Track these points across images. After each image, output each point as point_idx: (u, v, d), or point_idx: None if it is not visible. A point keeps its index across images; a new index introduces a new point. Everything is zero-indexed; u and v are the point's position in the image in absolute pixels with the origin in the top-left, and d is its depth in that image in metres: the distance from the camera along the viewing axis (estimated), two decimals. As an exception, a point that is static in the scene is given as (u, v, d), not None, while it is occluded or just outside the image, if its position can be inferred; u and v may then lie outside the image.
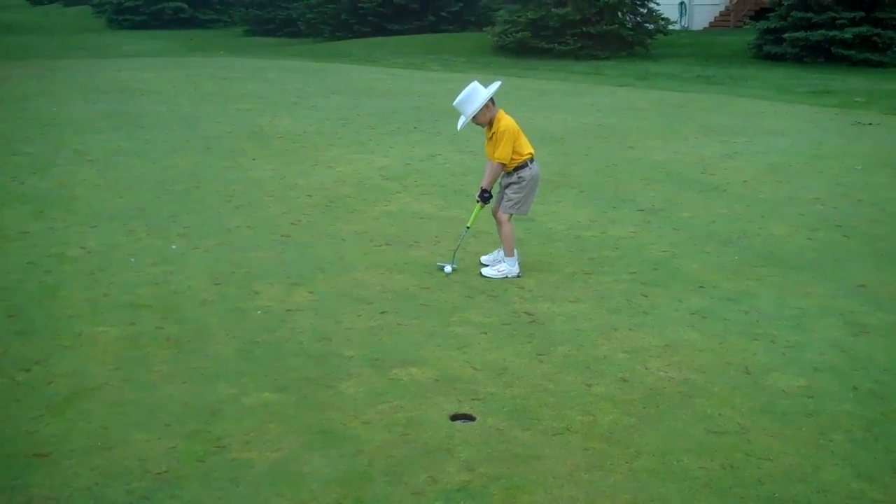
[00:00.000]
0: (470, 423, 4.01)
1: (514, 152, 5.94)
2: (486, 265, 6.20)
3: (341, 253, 6.63)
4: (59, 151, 10.67)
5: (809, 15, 23.64)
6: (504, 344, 4.91)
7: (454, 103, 5.97)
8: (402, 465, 3.63)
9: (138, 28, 42.96)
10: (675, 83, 19.98)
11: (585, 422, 4.01)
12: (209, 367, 4.56)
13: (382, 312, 5.39)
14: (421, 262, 6.38)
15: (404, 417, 4.03)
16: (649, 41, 28.04)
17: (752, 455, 3.73)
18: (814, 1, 23.72)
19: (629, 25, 27.79)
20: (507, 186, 6.10)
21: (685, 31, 34.40)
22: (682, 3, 35.98)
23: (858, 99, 16.62)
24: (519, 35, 27.44)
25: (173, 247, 6.74)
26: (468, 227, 6.30)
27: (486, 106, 5.84)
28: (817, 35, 23.44)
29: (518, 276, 6.05)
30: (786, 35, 24.21)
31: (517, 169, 6.01)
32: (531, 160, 6.04)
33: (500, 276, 6.05)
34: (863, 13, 23.15)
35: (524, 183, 6.02)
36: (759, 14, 30.63)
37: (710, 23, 36.14)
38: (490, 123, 5.95)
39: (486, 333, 5.06)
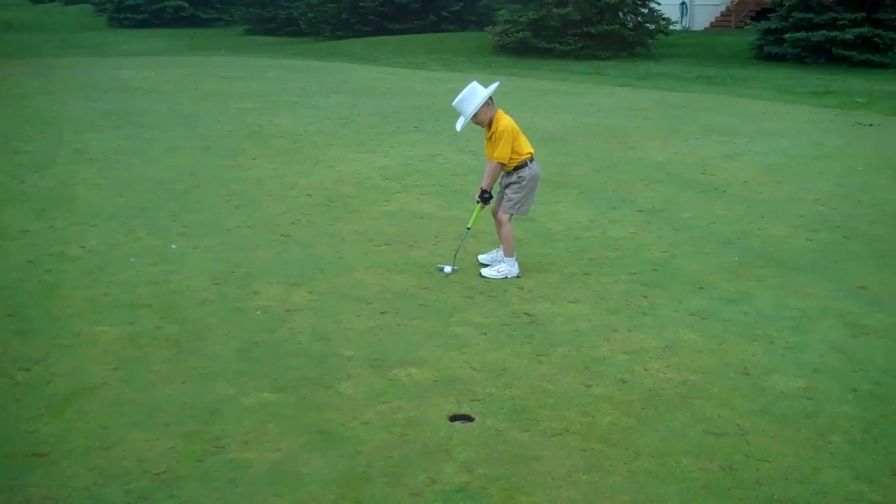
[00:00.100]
0: (469, 423, 4.01)
1: (513, 152, 5.94)
2: (486, 265, 6.20)
3: (341, 253, 6.63)
4: (59, 150, 10.67)
5: (810, 15, 23.66)
6: (503, 344, 4.91)
7: (453, 103, 5.96)
8: (401, 465, 3.63)
9: (139, 27, 42.96)
10: (676, 83, 19.99)
11: (584, 423, 4.01)
12: (208, 367, 4.56)
13: (382, 312, 5.39)
14: (421, 263, 6.38)
15: (403, 418, 4.03)
16: (650, 41, 28.07)
17: (751, 456, 3.73)
18: (815, 1, 23.74)
19: (630, 25, 27.80)
20: (506, 186, 6.10)
21: (686, 31, 34.42)
22: (683, 4, 36.01)
23: (859, 100, 16.63)
24: (520, 35, 27.45)
25: (173, 246, 6.74)
26: (469, 228, 6.30)
27: (484, 105, 5.84)
28: (818, 36, 23.45)
29: (518, 277, 6.06)
30: (787, 35, 24.23)
31: (517, 168, 6.00)
32: (531, 160, 6.04)
33: (499, 276, 6.05)
34: (864, 14, 23.17)
35: (524, 182, 6.02)
36: (760, 14, 30.68)
37: (711, 23, 36.16)
38: (489, 123, 5.95)
39: (485, 334, 5.06)
